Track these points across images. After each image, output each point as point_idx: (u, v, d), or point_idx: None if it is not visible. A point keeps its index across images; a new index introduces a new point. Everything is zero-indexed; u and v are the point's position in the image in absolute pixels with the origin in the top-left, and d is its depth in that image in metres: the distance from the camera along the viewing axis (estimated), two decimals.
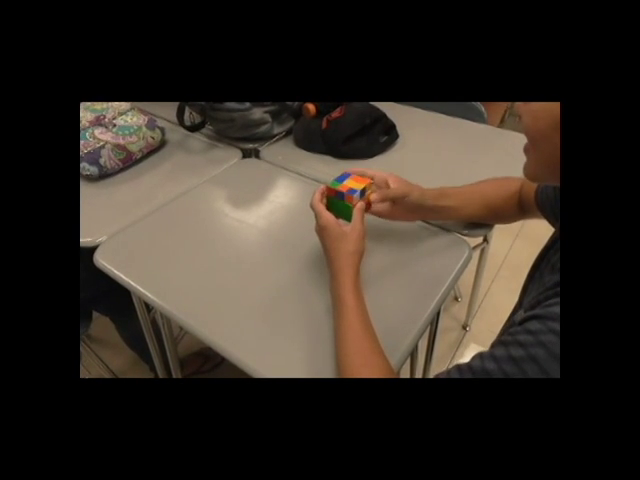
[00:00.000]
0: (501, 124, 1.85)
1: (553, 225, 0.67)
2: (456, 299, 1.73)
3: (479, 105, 1.31)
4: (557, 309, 0.40)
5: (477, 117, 1.29)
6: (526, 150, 0.49)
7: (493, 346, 0.44)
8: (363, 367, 0.57)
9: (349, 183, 0.72)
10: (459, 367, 0.46)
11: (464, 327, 1.64)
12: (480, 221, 0.86)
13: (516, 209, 0.80)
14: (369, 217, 0.75)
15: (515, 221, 0.83)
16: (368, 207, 0.73)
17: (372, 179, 0.74)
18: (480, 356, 0.44)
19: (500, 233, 1.95)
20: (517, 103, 0.47)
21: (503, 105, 1.76)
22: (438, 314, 0.86)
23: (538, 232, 0.65)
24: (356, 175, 0.74)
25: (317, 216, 0.70)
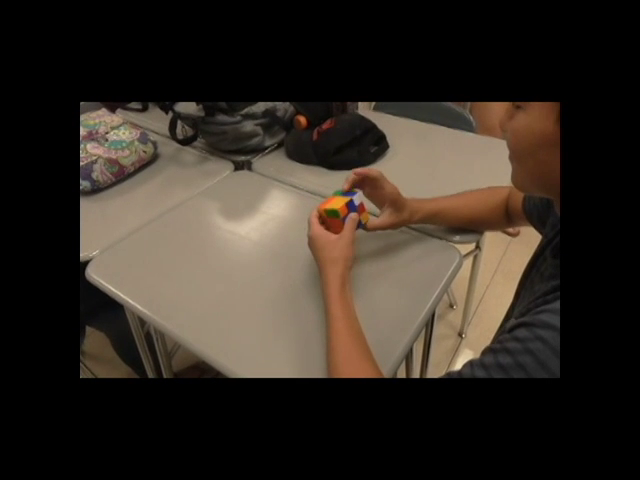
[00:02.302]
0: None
1: (540, 232, 0.68)
2: (451, 306, 1.74)
3: (467, 114, 1.33)
4: (544, 316, 0.40)
5: (466, 126, 1.31)
6: (510, 158, 0.50)
7: (484, 353, 0.44)
8: (352, 374, 0.57)
9: (338, 201, 0.73)
10: (449, 375, 0.46)
11: (460, 334, 1.64)
12: (467, 229, 0.88)
13: (503, 218, 0.81)
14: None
15: (503, 228, 0.85)
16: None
17: (382, 188, 0.76)
18: (470, 364, 0.44)
19: (493, 239, 1.97)
20: (502, 121, 0.49)
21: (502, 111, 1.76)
22: (433, 321, 0.87)
23: (531, 237, 0.66)
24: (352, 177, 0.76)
25: (308, 228, 0.71)
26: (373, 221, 0.77)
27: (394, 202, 0.77)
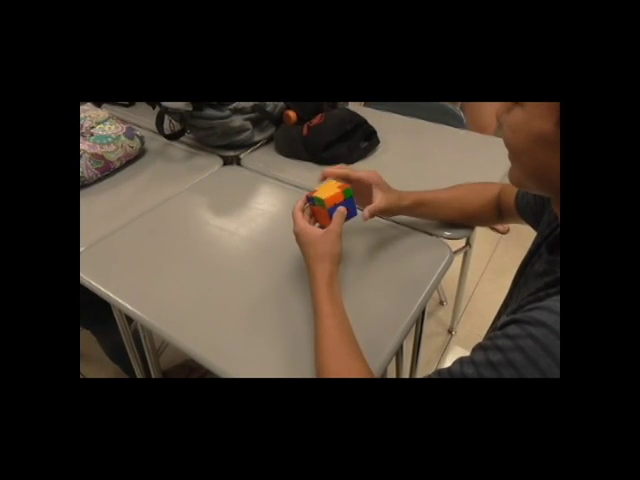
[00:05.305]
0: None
1: (535, 229, 0.68)
2: (441, 303, 1.74)
3: (458, 110, 1.33)
4: (536, 313, 0.39)
5: (456, 123, 1.30)
6: (510, 157, 0.49)
7: (474, 351, 0.44)
8: (340, 372, 0.56)
9: (327, 189, 0.72)
10: (439, 372, 0.45)
11: (450, 331, 1.65)
12: (457, 223, 0.87)
13: (494, 214, 0.80)
14: (352, 221, 0.75)
15: (493, 224, 0.85)
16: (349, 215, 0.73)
17: (358, 180, 0.75)
18: (460, 361, 0.44)
19: (483, 236, 1.97)
20: (499, 112, 0.47)
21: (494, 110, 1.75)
22: (423, 318, 0.86)
23: (521, 235, 0.66)
24: (338, 180, 0.75)
25: (293, 223, 0.70)
26: (368, 207, 0.74)
27: (378, 185, 0.76)
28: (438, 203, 0.82)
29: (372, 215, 0.74)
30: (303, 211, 0.72)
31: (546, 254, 0.52)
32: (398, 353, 0.85)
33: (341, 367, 0.57)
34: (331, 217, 0.69)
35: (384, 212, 0.77)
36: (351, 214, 0.73)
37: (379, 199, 0.75)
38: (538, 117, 0.41)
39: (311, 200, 0.73)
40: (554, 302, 0.39)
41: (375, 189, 0.75)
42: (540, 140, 0.42)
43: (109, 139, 1.06)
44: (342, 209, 0.70)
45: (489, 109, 1.75)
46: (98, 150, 1.04)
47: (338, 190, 0.71)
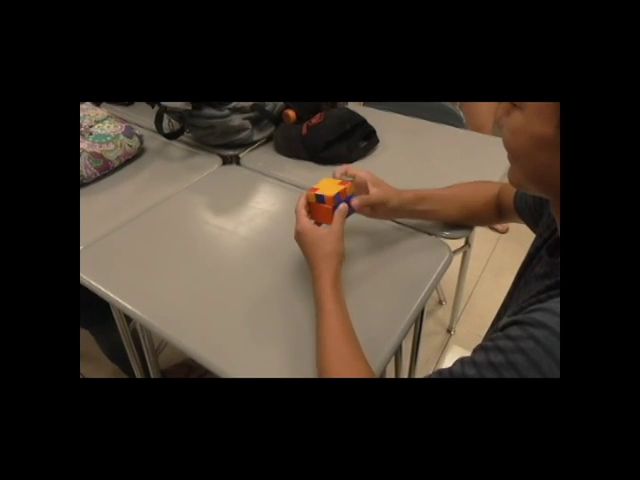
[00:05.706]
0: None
1: (533, 230, 0.68)
2: (440, 303, 1.74)
3: (457, 110, 1.33)
4: (538, 315, 0.39)
5: (456, 122, 1.30)
6: (509, 158, 0.48)
7: (475, 351, 0.44)
8: (342, 371, 0.56)
9: (329, 186, 0.72)
10: (440, 372, 0.45)
11: (449, 331, 1.65)
12: (458, 223, 0.87)
13: (494, 213, 0.80)
14: (351, 219, 0.75)
15: (493, 224, 0.84)
16: (348, 211, 0.73)
17: (353, 178, 0.75)
18: (461, 361, 0.44)
19: (483, 235, 1.98)
20: (498, 115, 0.47)
21: (490, 110, 1.76)
22: (422, 318, 0.86)
23: (521, 234, 0.66)
24: (337, 176, 0.75)
25: (296, 222, 0.70)
26: (362, 197, 0.74)
27: (374, 183, 0.75)
28: (439, 199, 0.82)
29: (362, 205, 0.73)
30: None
31: (546, 256, 0.52)
32: (397, 352, 0.86)
33: (344, 367, 0.57)
34: (333, 215, 0.69)
35: (384, 207, 0.76)
36: (350, 212, 0.73)
37: (374, 192, 0.75)
38: (538, 120, 0.41)
39: (316, 197, 0.72)
40: (555, 304, 0.39)
41: (370, 185, 0.75)
42: (540, 143, 0.41)
43: (108, 138, 1.06)
44: (343, 207, 0.70)
45: (484, 109, 1.75)
46: (97, 149, 1.04)
47: (340, 188, 0.71)
